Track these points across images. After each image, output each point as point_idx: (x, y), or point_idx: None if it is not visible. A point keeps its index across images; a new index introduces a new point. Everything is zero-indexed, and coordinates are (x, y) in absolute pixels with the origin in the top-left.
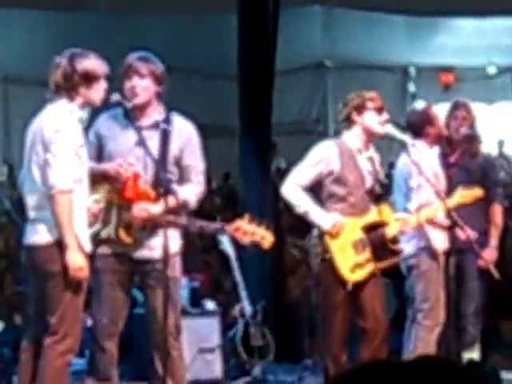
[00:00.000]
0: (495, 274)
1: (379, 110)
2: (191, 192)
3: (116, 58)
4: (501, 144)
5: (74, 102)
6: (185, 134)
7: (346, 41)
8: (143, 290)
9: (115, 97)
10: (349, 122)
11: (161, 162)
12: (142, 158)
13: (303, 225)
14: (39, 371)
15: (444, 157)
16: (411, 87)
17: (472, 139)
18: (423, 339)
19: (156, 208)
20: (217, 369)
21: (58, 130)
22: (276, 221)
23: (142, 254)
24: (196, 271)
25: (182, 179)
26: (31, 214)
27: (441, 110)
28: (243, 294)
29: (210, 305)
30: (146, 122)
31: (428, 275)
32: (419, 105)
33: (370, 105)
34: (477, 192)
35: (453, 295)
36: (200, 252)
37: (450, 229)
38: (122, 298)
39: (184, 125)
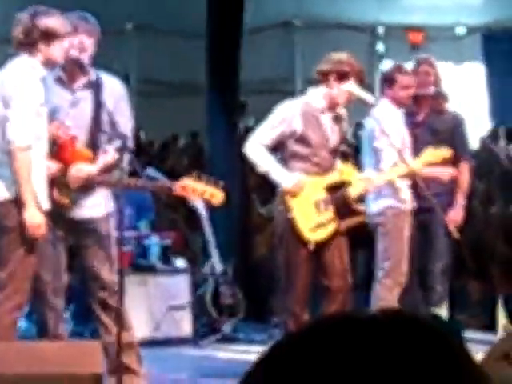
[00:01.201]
0: (455, 233)
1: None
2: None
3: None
4: None
5: (34, 57)
6: (116, 92)
7: (314, 0)
8: (78, 250)
9: (73, 52)
10: (321, 82)
11: (96, 122)
12: (77, 119)
13: (270, 184)
14: None
15: (411, 115)
16: (380, 47)
17: (438, 97)
18: (384, 299)
19: (92, 168)
20: (186, 326)
21: (18, 86)
22: (243, 180)
23: (77, 213)
24: (166, 229)
25: (113, 136)
26: None
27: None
28: (213, 251)
29: (180, 262)
30: (79, 83)
31: (392, 234)
32: (390, 64)
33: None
34: (445, 153)
35: (419, 254)
36: (169, 209)
37: (413, 188)
38: (62, 255)
39: (114, 83)
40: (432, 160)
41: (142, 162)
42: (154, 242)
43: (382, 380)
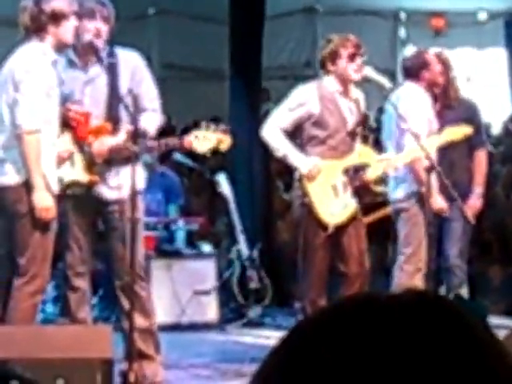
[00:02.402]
0: (471, 219)
1: (352, 56)
2: (148, 120)
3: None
4: None
5: (44, 41)
6: (131, 64)
7: None
8: (105, 233)
9: (87, 36)
10: (324, 69)
11: (112, 96)
12: (93, 96)
13: (292, 169)
14: (8, 312)
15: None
16: (402, 32)
17: (451, 88)
18: (404, 284)
19: (114, 140)
20: (212, 311)
21: (29, 70)
22: (265, 165)
23: (104, 194)
24: (192, 214)
25: (137, 109)
26: (0, 153)
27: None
28: (240, 236)
29: (207, 247)
30: (91, 60)
31: (415, 220)
32: (413, 50)
33: (342, 52)
34: (465, 130)
35: (436, 239)
36: (195, 194)
37: (429, 171)
38: (89, 239)
39: (128, 55)
40: (453, 138)
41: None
42: (180, 227)
43: (406, 362)
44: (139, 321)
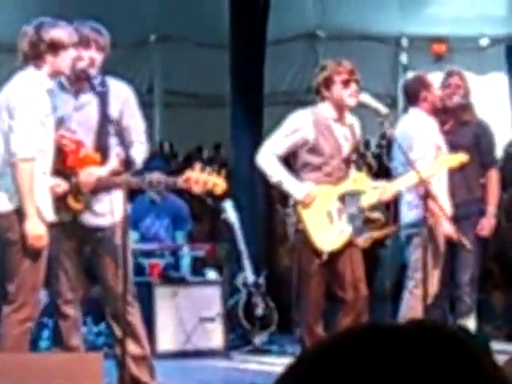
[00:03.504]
0: (466, 243)
1: (347, 82)
2: (136, 152)
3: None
4: None
5: (41, 70)
6: (122, 95)
7: (338, 11)
8: (92, 260)
9: (81, 64)
10: (319, 96)
11: (102, 125)
12: (83, 123)
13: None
14: None
15: (439, 126)
16: (403, 58)
17: (465, 108)
18: (413, 309)
19: (102, 170)
20: (218, 338)
21: (23, 98)
22: (267, 190)
23: (90, 221)
24: (199, 241)
25: (125, 141)
26: None
27: (433, 80)
28: (246, 262)
29: (212, 274)
30: (83, 86)
31: (425, 245)
32: (413, 73)
33: (336, 78)
34: (461, 157)
35: (446, 265)
36: (201, 220)
37: (425, 198)
38: (76, 266)
39: (120, 87)
40: (448, 165)
41: (166, 173)
42: (186, 254)
43: None
44: (132, 347)
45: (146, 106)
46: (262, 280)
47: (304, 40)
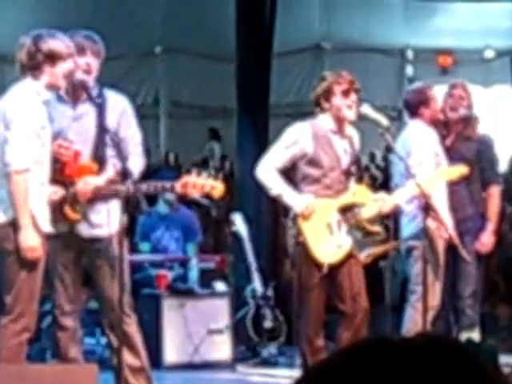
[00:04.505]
0: (465, 255)
1: (346, 92)
2: (133, 163)
3: (114, 37)
4: None
5: (38, 80)
6: (120, 107)
7: (344, 23)
8: (90, 270)
9: (79, 76)
10: (319, 107)
11: (99, 135)
12: (80, 133)
13: None
14: None
15: (440, 139)
16: (409, 70)
17: (468, 120)
18: (416, 322)
19: (98, 180)
20: (226, 350)
21: (19, 109)
22: (273, 203)
23: (87, 231)
24: (208, 252)
25: (122, 152)
26: None
27: (438, 92)
28: (255, 275)
29: (220, 286)
30: (81, 97)
31: (426, 258)
32: (416, 84)
33: (336, 89)
34: (461, 169)
35: (449, 278)
36: (210, 232)
37: (425, 210)
38: (74, 277)
39: (118, 98)
40: (448, 177)
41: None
42: (194, 266)
43: None
44: (129, 358)
45: (151, 117)
46: (270, 292)
47: (310, 52)
